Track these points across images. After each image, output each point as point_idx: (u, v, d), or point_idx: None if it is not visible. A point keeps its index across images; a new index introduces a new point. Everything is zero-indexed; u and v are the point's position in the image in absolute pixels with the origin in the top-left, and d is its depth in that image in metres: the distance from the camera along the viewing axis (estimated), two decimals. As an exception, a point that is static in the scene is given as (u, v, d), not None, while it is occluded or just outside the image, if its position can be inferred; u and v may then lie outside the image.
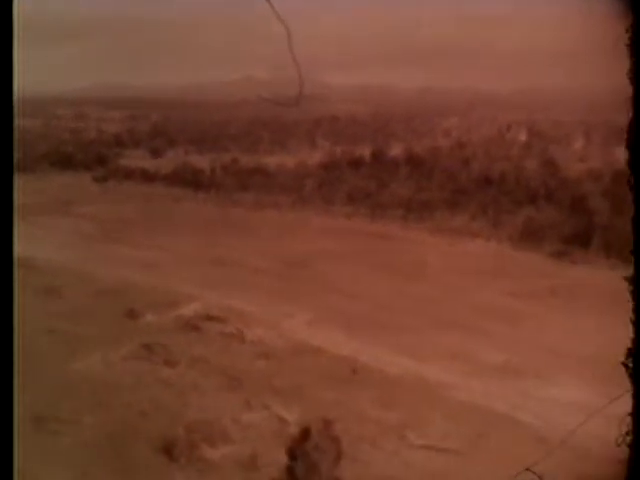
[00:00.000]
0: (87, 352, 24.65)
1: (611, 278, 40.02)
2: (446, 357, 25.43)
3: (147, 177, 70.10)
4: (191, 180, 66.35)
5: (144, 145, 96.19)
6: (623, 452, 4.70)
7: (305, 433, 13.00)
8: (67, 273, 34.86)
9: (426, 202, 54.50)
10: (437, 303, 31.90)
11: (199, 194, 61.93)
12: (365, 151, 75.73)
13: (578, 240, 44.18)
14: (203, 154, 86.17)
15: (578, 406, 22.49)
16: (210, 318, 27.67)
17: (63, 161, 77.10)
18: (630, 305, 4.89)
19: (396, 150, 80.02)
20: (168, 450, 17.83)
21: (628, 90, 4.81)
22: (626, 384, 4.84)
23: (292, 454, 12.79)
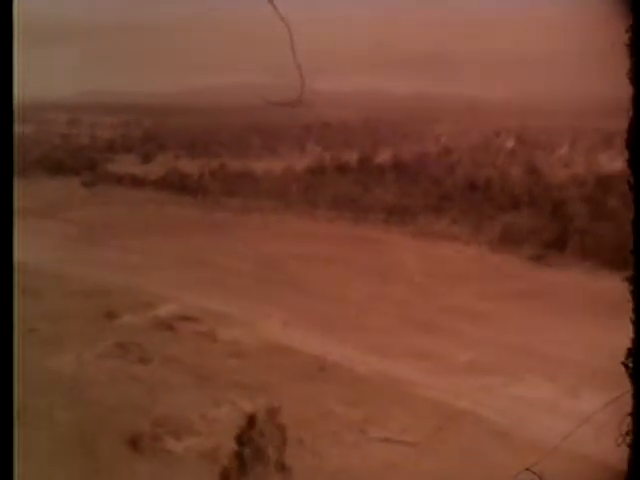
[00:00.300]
0: (64, 351, 25.31)
1: (585, 281, 40.91)
2: (413, 356, 26.15)
3: (136, 182, 70.79)
4: (179, 185, 67.08)
5: (136, 151, 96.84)
6: (623, 452, 4.74)
7: (251, 420, 13.70)
8: (49, 275, 35.51)
9: (409, 207, 55.30)
10: (410, 304, 32.66)
11: (186, 199, 62.63)
12: (352, 157, 76.53)
13: (556, 244, 45.05)
14: (193, 159, 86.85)
15: (541, 403, 23.34)
16: (185, 318, 28.38)
17: (54, 166, 77.73)
18: (630, 305, 4.91)
19: (384, 156, 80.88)
20: (134, 443, 18.50)
21: (628, 90, 4.79)
22: (626, 384, 4.84)
23: (240, 441, 13.50)
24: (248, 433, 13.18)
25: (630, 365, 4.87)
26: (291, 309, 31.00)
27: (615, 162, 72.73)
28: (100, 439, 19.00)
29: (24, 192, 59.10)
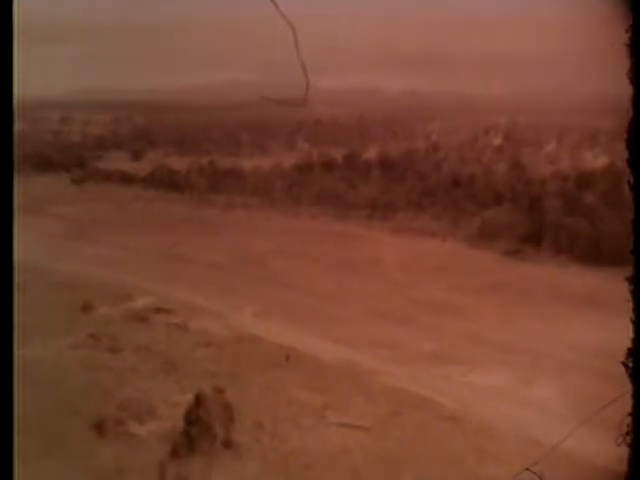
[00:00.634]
0: (39, 341, 26.16)
1: (558, 275, 41.78)
2: (378, 346, 27.01)
3: (125, 179, 71.56)
4: (167, 182, 67.86)
5: (126, 148, 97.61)
6: (623, 452, 4.76)
7: (198, 400, 14.53)
8: (31, 269, 36.25)
9: (391, 203, 56.15)
10: (381, 297, 33.54)
11: (173, 195, 63.45)
12: (339, 153, 77.35)
13: (531, 239, 45.94)
14: (183, 156, 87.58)
15: (494, 390, 24.23)
16: (159, 310, 29.24)
17: (43, 163, 78.46)
18: (630, 305, 4.98)
19: (371, 153, 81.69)
20: (99, 426, 19.34)
21: (628, 90, 4.76)
22: (626, 384, 4.83)
23: (188, 419, 14.32)
24: (195, 411, 14.00)
25: (630, 365, 4.84)
26: (264, 301, 31.86)
27: (598, 159, 73.72)
28: (66, 423, 19.84)
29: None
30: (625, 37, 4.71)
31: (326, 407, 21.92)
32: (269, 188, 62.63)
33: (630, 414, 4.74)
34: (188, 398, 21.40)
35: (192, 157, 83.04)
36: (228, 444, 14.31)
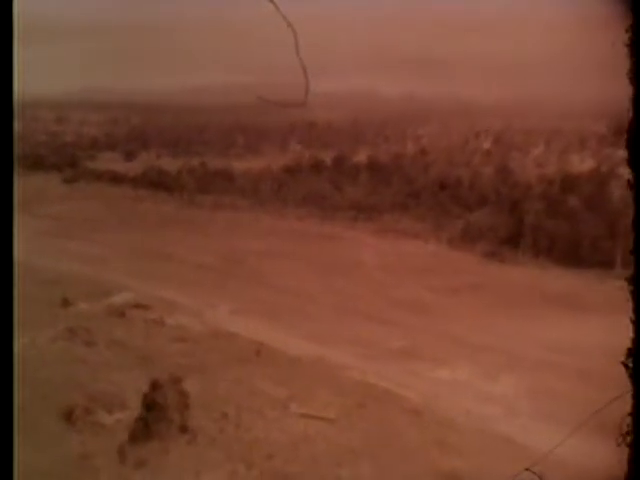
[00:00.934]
0: (19, 335, 26.81)
1: (535, 276, 42.35)
2: (349, 343, 27.71)
3: (115, 179, 72.19)
4: (157, 182, 68.49)
5: (119, 148, 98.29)
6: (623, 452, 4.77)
7: (154, 386, 15.18)
8: (16, 266, 36.96)
9: (376, 205, 56.86)
10: (357, 296, 34.24)
11: (162, 195, 64.11)
12: (328, 156, 78.02)
13: (510, 241, 46.69)
14: (175, 157, 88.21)
15: (459, 385, 24.93)
16: (138, 306, 29.92)
17: (36, 163, 79.07)
18: (630, 305, 4.87)
19: (361, 156, 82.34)
20: (68, 416, 20.01)
21: (628, 90, 4.75)
22: (626, 384, 4.79)
23: (145, 404, 14.95)
24: (152, 396, 14.65)
25: (630, 365, 4.76)
26: (242, 299, 32.54)
27: (585, 163, 74.48)
28: (38, 413, 20.49)
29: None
30: (625, 37, 4.74)
31: (290, 399, 22.59)
32: (258, 189, 63.32)
33: (630, 414, 4.75)
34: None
35: (184, 158, 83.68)
36: (184, 429, 14.94)
